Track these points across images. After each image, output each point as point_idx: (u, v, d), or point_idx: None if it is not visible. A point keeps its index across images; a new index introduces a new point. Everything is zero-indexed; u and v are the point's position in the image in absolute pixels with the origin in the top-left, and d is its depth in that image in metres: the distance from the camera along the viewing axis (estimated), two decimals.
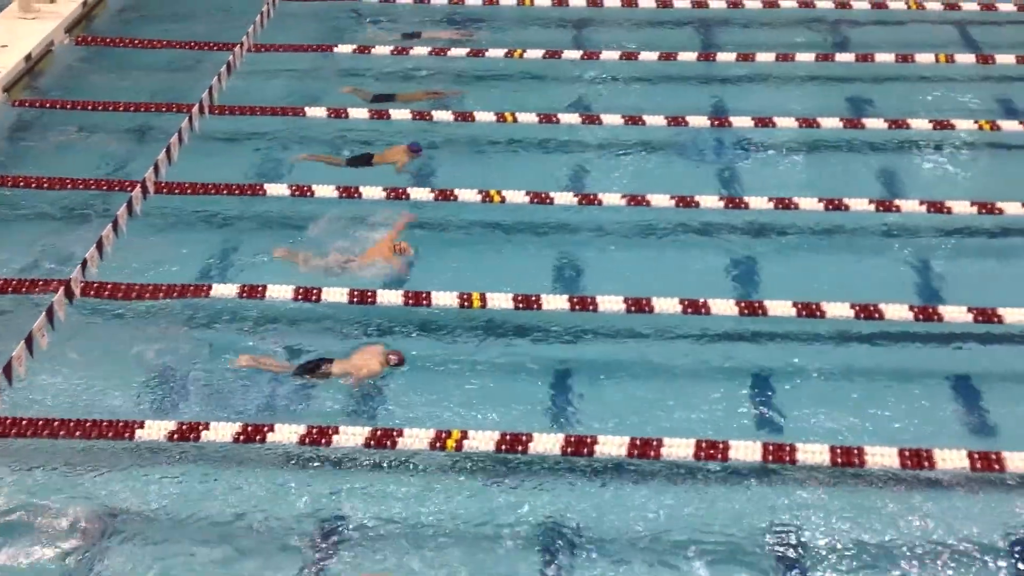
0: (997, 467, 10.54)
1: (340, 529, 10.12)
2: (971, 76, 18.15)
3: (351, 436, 10.81)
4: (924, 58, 18.22)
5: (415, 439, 10.76)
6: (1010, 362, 12.36)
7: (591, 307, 12.64)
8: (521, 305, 12.63)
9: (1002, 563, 9.86)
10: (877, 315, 12.47)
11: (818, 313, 12.49)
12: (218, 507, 10.34)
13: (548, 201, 14.57)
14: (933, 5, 20.07)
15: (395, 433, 10.79)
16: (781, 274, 13.67)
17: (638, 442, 10.73)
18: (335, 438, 10.78)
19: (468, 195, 14.58)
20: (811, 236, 14.40)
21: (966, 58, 18.40)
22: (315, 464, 10.77)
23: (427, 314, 12.75)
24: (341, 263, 13.63)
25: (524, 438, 10.77)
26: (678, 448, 10.73)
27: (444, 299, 12.68)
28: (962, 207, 14.39)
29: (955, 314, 12.50)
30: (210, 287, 12.89)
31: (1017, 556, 9.92)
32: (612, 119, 16.51)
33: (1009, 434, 11.26)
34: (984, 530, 10.17)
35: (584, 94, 17.70)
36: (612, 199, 14.59)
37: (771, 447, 10.74)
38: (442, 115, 16.60)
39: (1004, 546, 10.03)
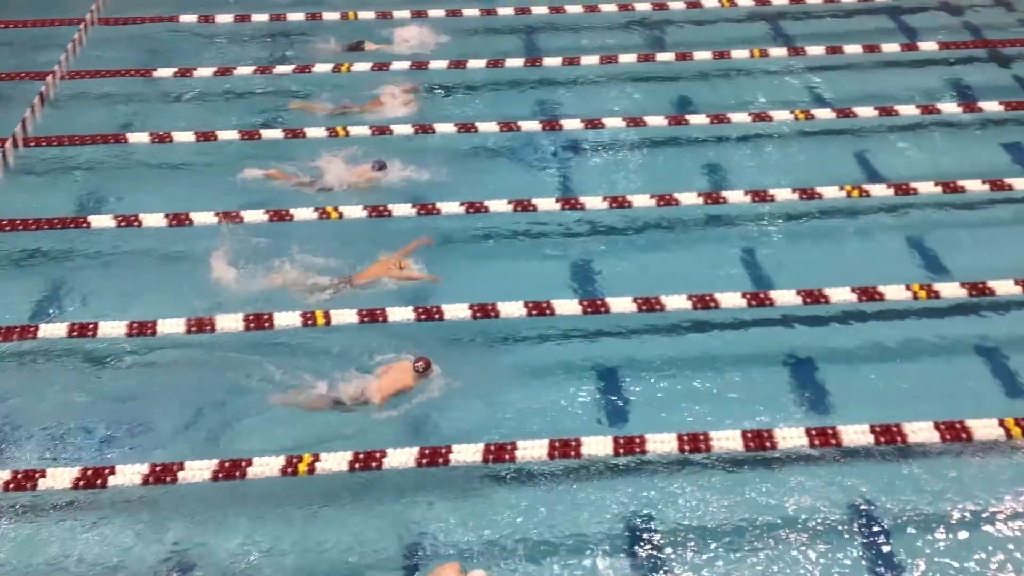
0: (834, 441, 11.03)
1: None
2: (785, 68, 18.94)
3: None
4: (739, 53, 18.91)
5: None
6: (839, 340, 12.95)
7: (436, 316, 12.63)
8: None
9: (844, 529, 10.41)
10: (713, 304, 12.88)
11: (658, 307, 12.82)
12: None
13: (387, 214, 14.49)
14: (744, 2, 20.83)
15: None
16: (621, 271, 13.99)
17: (493, 447, 10.88)
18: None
19: None
20: (647, 232, 14.77)
21: (778, 51, 19.16)
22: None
23: None
24: (336, 284, 13.36)
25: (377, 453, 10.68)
26: (531, 450, 10.96)
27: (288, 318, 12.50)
28: (784, 194, 15.00)
29: (786, 298, 13.04)
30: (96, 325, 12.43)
31: (858, 524, 10.45)
32: (445, 127, 16.59)
33: (843, 409, 11.84)
34: (823, 501, 10.73)
35: (421, 107, 17.67)
36: (451, 207, 14.64)
37: (621, 440, 10.98)
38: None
39: (845, 515, 10.61)
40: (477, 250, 14.46)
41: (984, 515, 10.64)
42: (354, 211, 14.46)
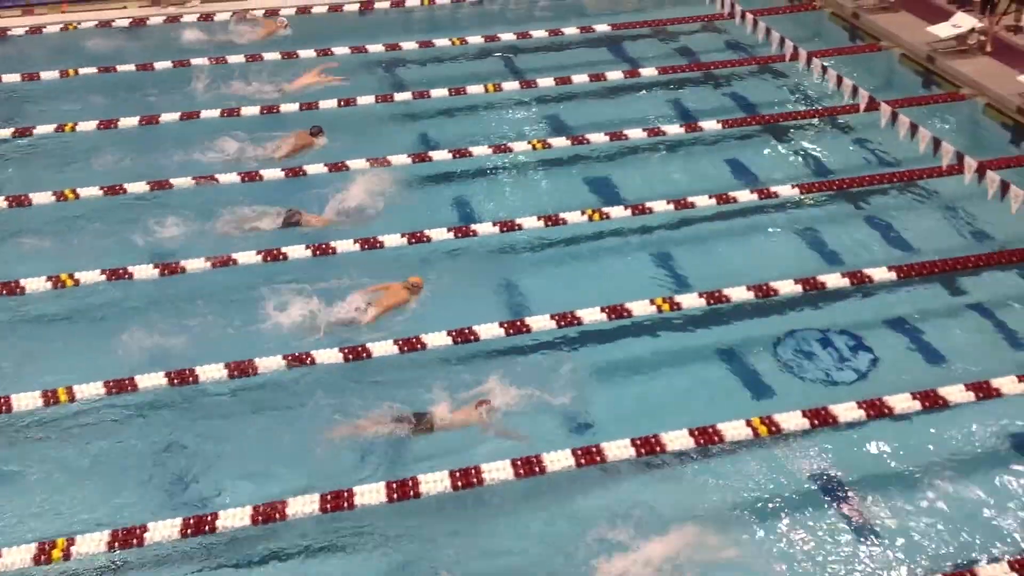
0: (599, 459, 11.39)
1: None
2: (519, 101, 19.51)
3: None
4: (475, 89, 19.33)
5: None
6: (596, 358, 13.39)
7: None
8: None
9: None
10: (473, 337, 13.07)
11: (419, 346, 12.87)
12: None
13: None
14: (475, 39, 21.35)
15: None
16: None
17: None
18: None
19: None
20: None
21: (511, 84, 19.73)
22: None
23: None
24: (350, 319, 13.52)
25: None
26: None
27: None
28: (531, 222, 15.42)
29: (541, 323, 13.38)
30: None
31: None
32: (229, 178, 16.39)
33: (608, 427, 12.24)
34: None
35: None
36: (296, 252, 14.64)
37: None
38: None
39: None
40: None
41: (737, 503, 11.24)
42: None
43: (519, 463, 11.24)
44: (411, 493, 10.93)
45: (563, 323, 13.42)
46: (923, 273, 14.59)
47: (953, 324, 14.11)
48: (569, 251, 15.45)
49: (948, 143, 16.20)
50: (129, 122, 17.96)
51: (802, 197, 16.51)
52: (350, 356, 12.77)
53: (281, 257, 14.56)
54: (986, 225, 15.93)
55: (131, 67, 19.87)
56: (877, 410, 12.04)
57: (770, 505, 11.31)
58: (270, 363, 12.61)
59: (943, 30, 20.09)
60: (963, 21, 20.03)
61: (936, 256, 14.95)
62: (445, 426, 11.92)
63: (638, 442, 11.55)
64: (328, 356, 12.74)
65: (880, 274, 14.40)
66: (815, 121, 19.03)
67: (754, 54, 21.16)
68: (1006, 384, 12.39)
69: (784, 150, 18.30)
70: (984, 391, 12.32)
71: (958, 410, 12.26)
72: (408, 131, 18.56)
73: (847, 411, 12.01)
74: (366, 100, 18.90)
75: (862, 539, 10.97)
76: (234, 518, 10.66)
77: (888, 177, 16.96)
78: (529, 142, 17.79)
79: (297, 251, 14.68)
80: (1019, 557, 10.44)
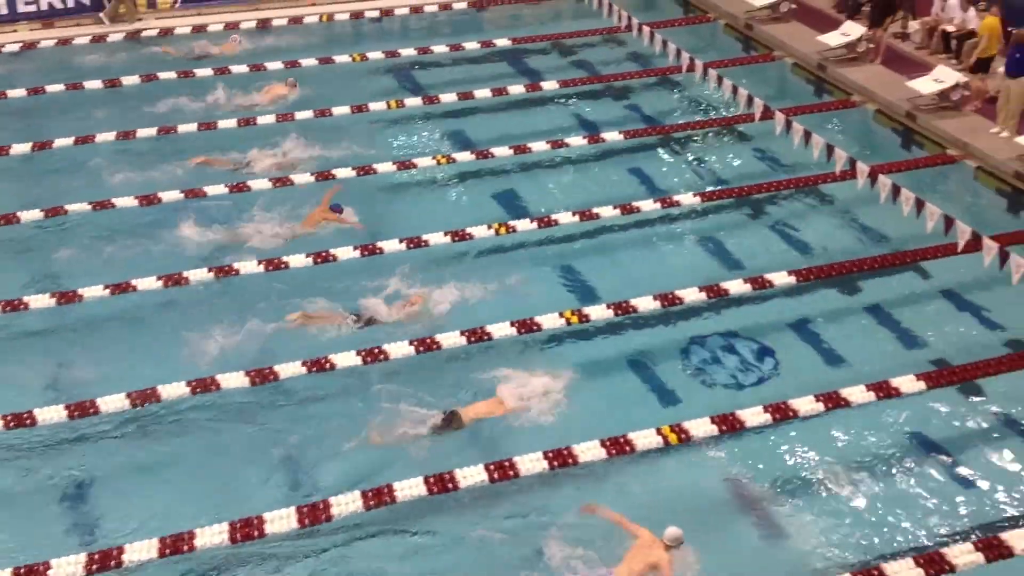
0: (511, 473, 11.43)
1: None
2: (422, 116, 19.48)
3: None
4: (376, 106, 19.25)
5: None
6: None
7: None
8: None
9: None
10: (383, 357, 12.99)
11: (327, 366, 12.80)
12: None
13: None
14: (375, 55, 21.27)
15: None
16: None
17: None
18: None
19: None
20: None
21: (414, 100, 19.69)
22: None
23: None
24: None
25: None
26: None
27: None
28: (436, 238, 15.40)
29: (451, 340, 13.35)
30: None
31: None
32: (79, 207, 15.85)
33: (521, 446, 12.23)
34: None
35: None
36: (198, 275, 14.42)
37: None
38: None
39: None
40: None
41: (648, 512, 11.26)
42: None
43: (430, 480, 11.22)
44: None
45: (473, 338, 13.41)
46: (821, 276, 14.95)
47: (852, 326, 14.48)
48: (477, 264, 15.43)
49: (841, 149, 16.64)
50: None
51: (704, 205, 16.82)
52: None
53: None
54: (880, 228, 16.40)
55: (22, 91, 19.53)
56: (783, 413, 12.28)
57: (682, 512, 11.41)
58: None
59: (833, 39, 20.67)
60: (852, 30, 20.64)
61: (834, 259, 15.34)
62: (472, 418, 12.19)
63: (550, 455, 11.59)
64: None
65: (781, 279, 14.71)
66: (714, 130, 19.39)
67: (652, 66, 21.49)
68: (905, 383, 12.75)
69: (685, 159, 18.61)
70: (884, 391, 12.65)
71: (860, 410, 12.57)
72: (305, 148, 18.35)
73: (754, 416, 12.22)
74: (266, 120, 18.71)
75: (770, 540, 11.16)
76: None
77: (785, 184, 17.37)
78: (433, 157, 17.79)
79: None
80: (924, 552, 10.71)
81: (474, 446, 12.11)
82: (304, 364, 12.82)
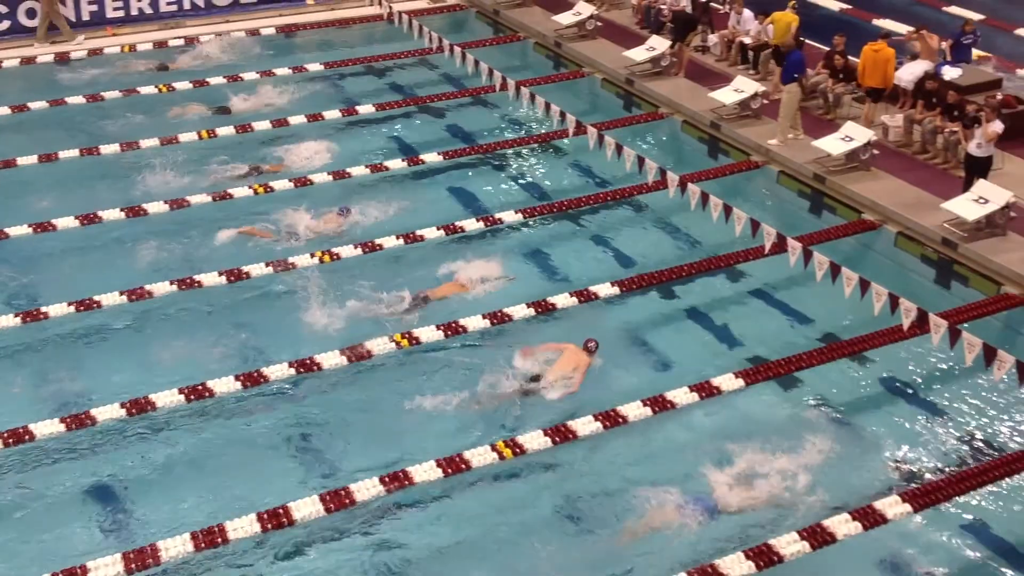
0: (406, 482, 11.61)
1: None
2: (234, 144, 19.08)
3: None
4: (186, 137, 18.80)
5: None
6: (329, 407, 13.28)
7: None
8: None
9: None
10: (208, 394, 12.64)
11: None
12: None
13: None
14: (183, 85, 20.75)
15: None
16: None
17: None
18: None
19: None
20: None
21: (226, 130, 19.27)
22: None
23: None
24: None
25: None
26: None
27: None
28: (258, 269, 15.18)
29: (278, 372, 13.12)
30: None
31: None
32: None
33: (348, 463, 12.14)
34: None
35: None
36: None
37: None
38: None
39: None
40: None
41: (487, 530, 11.46)
42: None
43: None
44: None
45: (302, 369, 13.23)
46: (643, 285, 15.40)
47: (673, 330, 14.97)
48: (296, 297, 15.14)
49: (651, 160, 17.13)
50: None
51: (526, 220, 17.07)
52: None
53: None
54: (693, 234, 17.03)
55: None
56: (612, 420, 12.56)
57: (519, 526, 11.54)
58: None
59: (639, 54, 21.35)
60: (657, 44, 21.36)
61: (653, 267, 15.82)
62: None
63: (386, 479, 11.53)
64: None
65: (605, 290, 15.07)
66: (530, 147, 19.73)
67: (466, 86, 21.70)
68: (725, 382, 13.27)
69: (504, 177, 18.87)
70: (706, 391, 13.12)
71: (685, 410, 12.99)
72: (119, 184, 17.76)
73: (585, 425, 12.46)
74: (69, 154, 17.97)
75: (607, 542, 11.39)
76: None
77: (602, 196, 17.84)
78: (251, 187, 17.44)
79: None
80: (753, 547, 11.03)
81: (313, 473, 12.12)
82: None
